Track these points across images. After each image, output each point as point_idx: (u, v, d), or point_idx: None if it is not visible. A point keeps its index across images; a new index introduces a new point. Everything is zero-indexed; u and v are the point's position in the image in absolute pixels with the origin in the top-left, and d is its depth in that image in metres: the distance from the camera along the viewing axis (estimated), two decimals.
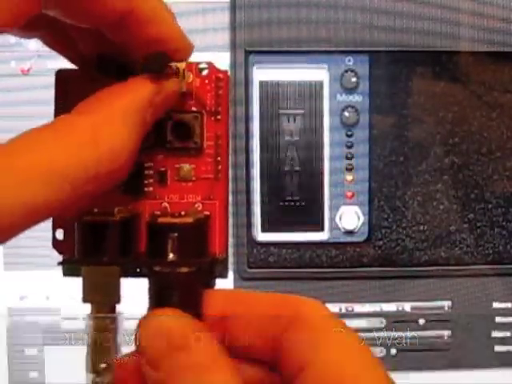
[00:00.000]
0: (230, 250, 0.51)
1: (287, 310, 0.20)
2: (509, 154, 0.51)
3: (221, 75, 0.23)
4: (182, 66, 0.22)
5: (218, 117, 0.22)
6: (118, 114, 0.19)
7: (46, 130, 0.18)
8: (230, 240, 0.56)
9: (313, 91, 0.50)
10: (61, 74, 0.22)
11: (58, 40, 0.22)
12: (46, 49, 0.23)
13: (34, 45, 0.48)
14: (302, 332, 0.20)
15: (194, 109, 0.22)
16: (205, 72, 0.23)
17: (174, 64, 0.22)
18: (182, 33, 0.21)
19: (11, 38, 0.48)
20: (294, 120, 0.50)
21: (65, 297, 0.50)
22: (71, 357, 0.51)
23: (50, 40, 0.22)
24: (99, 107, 0.19)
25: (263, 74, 0.50)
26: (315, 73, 0.50)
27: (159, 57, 0.21)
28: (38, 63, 0.49)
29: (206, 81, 0.22)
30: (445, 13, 0.50)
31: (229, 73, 0.23)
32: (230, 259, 0.50)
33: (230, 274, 0.51)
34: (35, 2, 0.18)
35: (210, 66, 0.22)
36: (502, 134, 0.51)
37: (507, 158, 0.51)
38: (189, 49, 0.22)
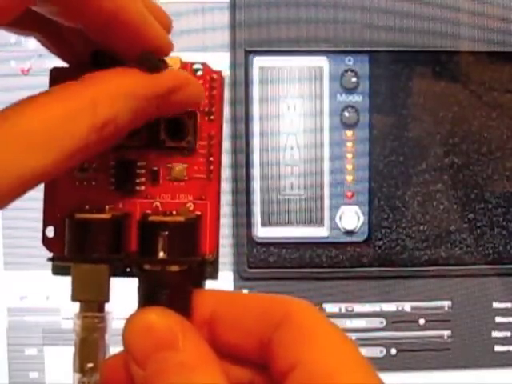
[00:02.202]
0: (230, 250, 0.51)
1: (276, 310, 0.20)
2: (509, 154, 0.51)
3: (215, 76, 0.23)
4: (176, 65, 0.22)
5: (212, 117, 0.22)
6: (121, 91, 0.19)
7: (44, 95, 0.19)
8: (230, 240, 0.56)
9: (312, 91, 0.50)
10: (55, 72, 0.22)
11: (52, 39, 0.22)
12: None
13: (34, 45, 0.48)
14: (291, 332, 0.20)
15: (187, 108, 0.22)
16: (199, 72, 0.23)
17: (169, 63, 0.22)
18: (163, 31, 0.21)
19: (11, 38, 0.48)
20: (294, 119, 0.50)
21: (65, 297, 0.50)
22: (71, 357, 0.50)
23: (44, 39, 0.22)
24: (104, 80, 0.19)
25: (263, 73, 0.50)
26: (315, 73, 0.50)
27: (153, 55, 0.21)
28: (38, 63, 0.49)
29: (201, 81, 0.22)
30: (445, 13, 0.50)
31: (223, 73, 0.23)
32: (230, 259, 0.51)
33: (230, 274, 0.51)
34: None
35: (205, 66, 0.23)
36: (502, 134, 0.51)
37: (507, 158, 0.51)
38: (169, 47, 0.22)
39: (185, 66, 0.22)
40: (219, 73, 0.23)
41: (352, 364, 0.19)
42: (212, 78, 0.22)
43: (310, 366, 0.19)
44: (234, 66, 0.50)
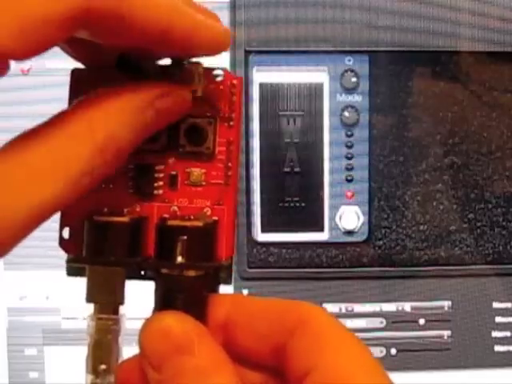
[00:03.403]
0: None
1: (291, 315, 0.20)
2: (509, 154, 0.51)
3: (235, 81, 0.23)
4: (198, 71, 0.22)
5: (231, 123, 0.22)
6: (115, 111, 0.19)
7: (42, 128, 0.19)
8: None
9: (313, 91, 0.50)
10: (75, 73, 0.22)
11: (73, 43, 0.22)
12: None
13: None
14: (306, 337, 0.20)
15: (207, 114, 0.22)
16: (219, 78, 0.23)
17: (189, 69, 0.22)
18: (220, 29, 0.21)
19: None
20: (294, 120, 0.50)
21: (65, 297, 0.50)
22: (71, 357, 0.51)
23: (65, 44, 0.22)
24: (97, 104, 0.19)
25: (263, 75, 0.50)
26: (315, 73, 0.50)
27: (129, 58, 0.21)
28: (38, 63, 0.48)
29: (221, 87, 0.22)
30: (445, 13, 0.50)
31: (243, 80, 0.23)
32: None
33: None
34: (64, 30, 0.17)
35: (225, 72, 0.23)
36: (502, 134, 0.51)
37: (507, 158, 0.51)
38: (226, 44, 0.21)
39: (206, 71, 0.22)
40: (239, 79, 0.23)
41: (367, 367, 0.19)
42: (232, 84, 0.23)
43: (325, 371, 0.19)
44: (234, 66, 0.50)
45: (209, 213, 0.22)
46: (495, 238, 0.52)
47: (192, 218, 0.21)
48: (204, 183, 0.22)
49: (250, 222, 0.51)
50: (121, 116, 0.19)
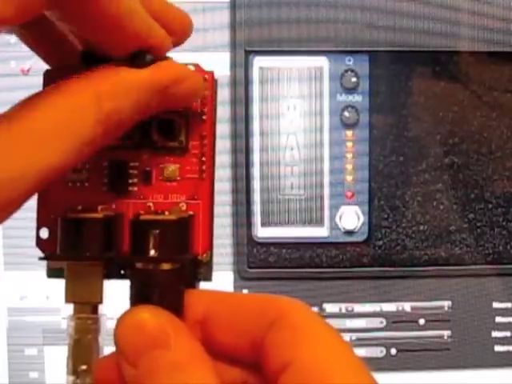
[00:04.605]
0: (230, 250, 0.51)
1: (269, 309, 0.20)
2: (509, 154, 0.51)
3: (206, 76, 0.23)
4: None
5: (204, 117, 0.22)
6: (124, 84, 0.20)
7: (49, 92, 0.19)
8: (230, 240, 0.56)
9: (313, 91, 0.50)
10: (49, 74, 0.22)
11: (41, 39, 0.22)
12: None
13: None
14: (284, 331, 0.19)
15: (179, 109, 0.22)
16: None
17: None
18: (160, 32, 0.21)
19: (11, 38, 0.48)
20: (294, 119, 0.50)
21: None
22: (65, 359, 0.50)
23: (32, 39, 0.22)
24: (107, 75, 0.20)
25: (263, 74, 0.50)
26: (315, 72, 0.50)
27: (144, 54, 0.21)
28: (38, 63, 0.48)
29: None
30: (445, 13, 0.50)
31: (216, 74, 0.23)
32: (230, 259, 0.51)
33: (230, 274, 0.51)
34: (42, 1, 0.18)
35: (197, 67, 0.22)
36: (501, 134, 0.51)
37: (507, 158, 0.51)
38: (164, 47, 0.22)
39: None
40: (211, 73, 0.23)
41: (345, 364, 0.19)
42: (204, 79, 0.22)
43: (302, 366, 0.19)
44: (234, 65, 0.50)
45: (184, 208, 0.22)
46: (495, 238, 0.52)
47: (166, 213, 0.21)
48: (178, 178, 0.22)
49: (250, 221, 0.51)
50: (129, 92, 0.20)
